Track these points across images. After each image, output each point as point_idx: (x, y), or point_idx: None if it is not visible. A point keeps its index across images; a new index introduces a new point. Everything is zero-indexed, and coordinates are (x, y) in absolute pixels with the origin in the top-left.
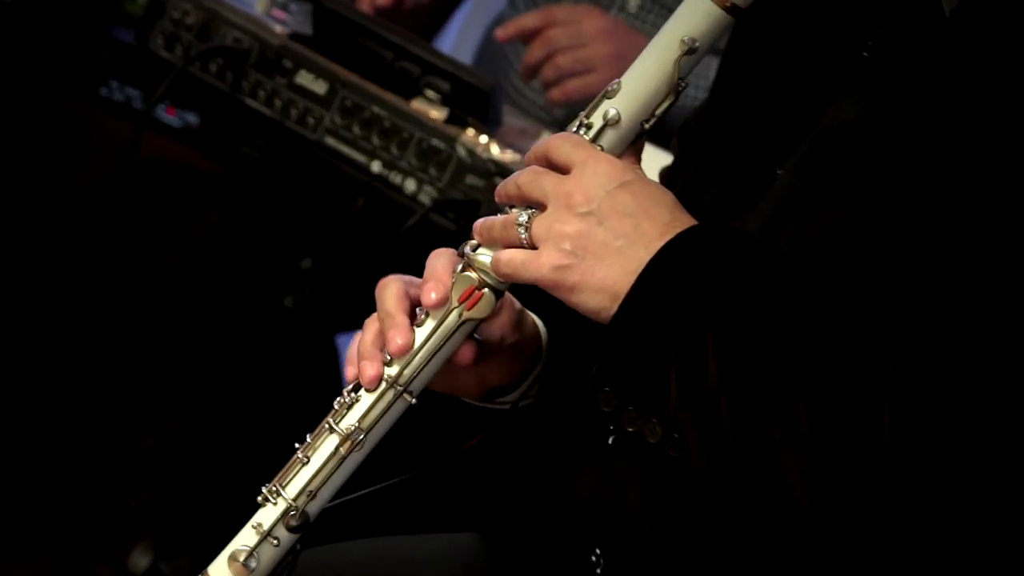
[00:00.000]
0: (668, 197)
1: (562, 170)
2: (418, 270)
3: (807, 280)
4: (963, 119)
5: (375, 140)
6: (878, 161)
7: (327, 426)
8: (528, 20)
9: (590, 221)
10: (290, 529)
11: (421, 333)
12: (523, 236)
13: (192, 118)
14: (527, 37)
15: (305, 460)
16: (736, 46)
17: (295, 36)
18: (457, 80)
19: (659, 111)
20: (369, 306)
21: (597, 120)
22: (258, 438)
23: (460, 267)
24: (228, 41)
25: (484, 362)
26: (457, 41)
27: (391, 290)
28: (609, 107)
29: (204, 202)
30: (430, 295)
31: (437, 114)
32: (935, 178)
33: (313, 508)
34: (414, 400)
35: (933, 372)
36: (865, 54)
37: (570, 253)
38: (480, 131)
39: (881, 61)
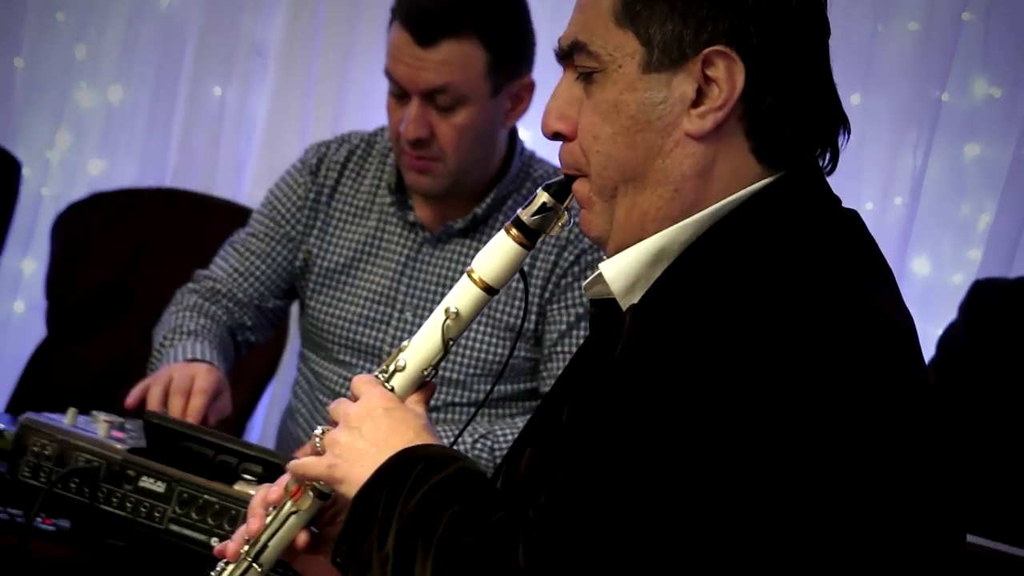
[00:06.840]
0: (418, 422)
1: (355, 399)
2: None
3: (471, 489)
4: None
5: (210, 520)
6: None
7: None
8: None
9: (354, 434)
10: None
11: (268, 520)
12: (318, 444)
13: (64, 523)
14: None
15: None
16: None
17: (134, 450)
18: (267, 463)
19: (436, 362)
20: None
21: (391, 367)
22: None
23: None
24: (80, 463)
25: (324, 553)
26: (263, 429)
27: (258, 492)
28: (400, 359)
29: None
30: (271, 493)
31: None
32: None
33: None
34: (260, 570)
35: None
36: None
37: (338, 456)
38: None
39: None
